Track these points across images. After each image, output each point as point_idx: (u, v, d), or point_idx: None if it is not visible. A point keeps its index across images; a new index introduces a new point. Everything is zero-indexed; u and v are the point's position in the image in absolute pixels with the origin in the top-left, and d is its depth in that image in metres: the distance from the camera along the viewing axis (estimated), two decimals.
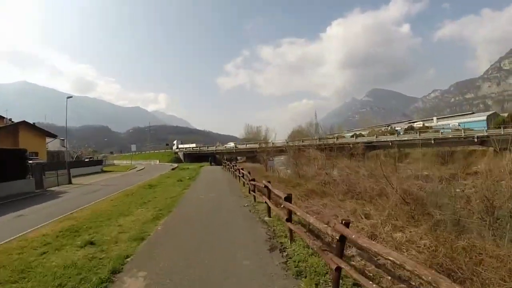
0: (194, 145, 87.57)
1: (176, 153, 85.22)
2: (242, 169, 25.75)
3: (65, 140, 52.86)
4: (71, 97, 39.02)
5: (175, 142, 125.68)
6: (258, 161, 68.59)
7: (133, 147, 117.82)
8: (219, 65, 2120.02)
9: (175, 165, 60.36)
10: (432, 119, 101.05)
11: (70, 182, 32.82)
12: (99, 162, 58.19)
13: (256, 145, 65.66)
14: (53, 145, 70.18)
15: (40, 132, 49.03)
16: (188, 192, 19.64)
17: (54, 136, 53.98)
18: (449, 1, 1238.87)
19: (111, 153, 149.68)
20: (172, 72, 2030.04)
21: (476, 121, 74.46)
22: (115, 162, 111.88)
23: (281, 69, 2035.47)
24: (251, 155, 66.96)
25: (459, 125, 76.84)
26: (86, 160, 59.87)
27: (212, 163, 66.05)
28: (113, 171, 54.75)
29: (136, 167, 64.22)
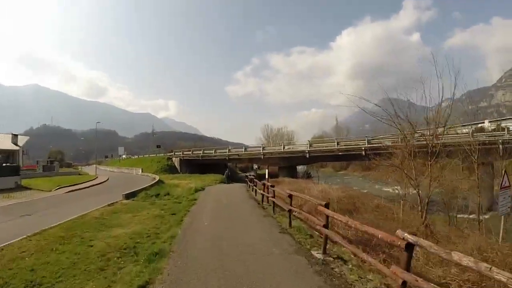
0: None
1: (169, 159, 55.31)
2: None
3: None
4: None
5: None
6: (295, 175, 40.14)
7: (121, 150, 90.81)
8: (229, 73, 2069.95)
9: (156, 177, 32.08)
10: (484, 121, 76.33)
11: None
12: (13, 170, 30.20)
13: (305, 147, 36.73)
14: (2, 142, 45.67)
15: None
16: None
17: None
18: (460, 9, 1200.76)
19: (106, 157, 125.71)
20: (182, 79, 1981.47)
21: None
22: (93, 167, 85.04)
23: (290, 78, 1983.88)
24: (291, 164, 38.36)
25: None
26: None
27: (228, 180, 33.88)
28: (33, 188, 27.18)
29: (95, 179, 36.62)
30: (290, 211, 9.49)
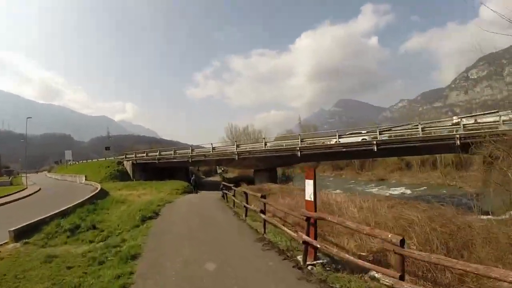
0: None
1: (120, 163, 45.13)
2: None
3: None
4: None
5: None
6: (275, 179, 33.27)
7: (68, 155, 79.77)
8: (188, 75, 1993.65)
9: (98, 187, 24.66)
10: (453, 118, 73.51)
11: None
12: None
13: (296, 142, 29.12)
14: None
15: None
16: None
17: None
18: (417, 14, 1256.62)
19: (56, 163, 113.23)
20: (140, 81, 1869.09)
21: None
22: (41, 175, 74.77)
23: (251, 80, 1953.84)
24: (273, 166, 32.39)
25: None
26: None
27: (196, 188, 28.62)
28: None
29: (21, 191, 28.49)
30: None
